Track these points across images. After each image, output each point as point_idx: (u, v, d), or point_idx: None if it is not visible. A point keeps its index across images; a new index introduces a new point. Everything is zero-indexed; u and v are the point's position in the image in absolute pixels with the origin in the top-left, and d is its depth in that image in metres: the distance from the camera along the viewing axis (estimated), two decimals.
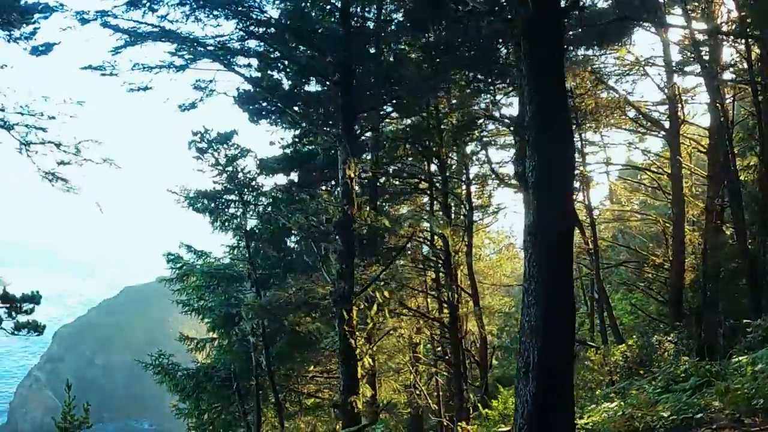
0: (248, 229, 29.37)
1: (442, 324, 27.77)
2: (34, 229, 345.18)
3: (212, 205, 29.29)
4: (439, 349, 34.43)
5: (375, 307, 20.38)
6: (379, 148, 27.97)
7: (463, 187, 31.74)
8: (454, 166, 33.39)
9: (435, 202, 31.38)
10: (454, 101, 25.74)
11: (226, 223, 29.83)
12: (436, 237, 29.70)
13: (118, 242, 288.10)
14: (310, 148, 29.14)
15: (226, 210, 29.48)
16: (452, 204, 32.58)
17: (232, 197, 29.14)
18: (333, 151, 24.16)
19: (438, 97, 24.35)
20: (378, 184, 29.17)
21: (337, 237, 18.90)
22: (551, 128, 10.16)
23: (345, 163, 18.57)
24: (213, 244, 33.04)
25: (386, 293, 20.04)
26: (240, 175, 28.30)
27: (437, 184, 29.17)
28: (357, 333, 19.33)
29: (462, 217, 32.28)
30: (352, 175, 18.46)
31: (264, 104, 23.94)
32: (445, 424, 27.82)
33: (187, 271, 32.66)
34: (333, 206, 18.75)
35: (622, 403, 12.66)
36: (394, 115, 28.62)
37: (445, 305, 28.29)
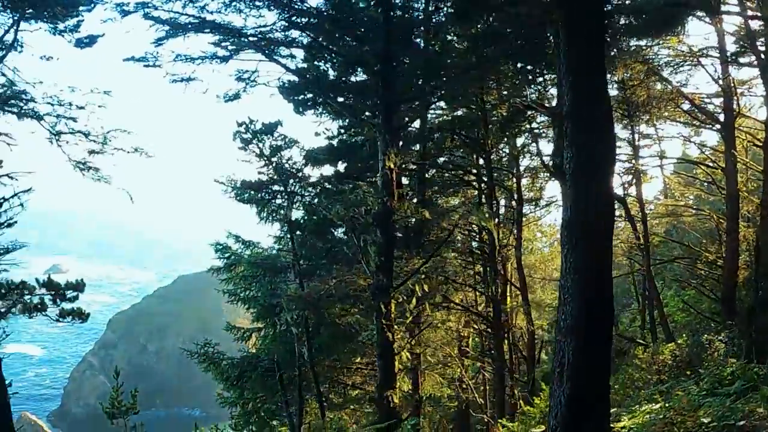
0: (293, 219, 29.33)
1: (486, 318, 27.28)
2: (88, 219, 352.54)
3: (258, 196, 29.24)
4: (486, 343, 34.01)
5: (414, 301, 20.09)
6: (426, 140, 27.61)
7: (513, 179, 31.29)
8: (504, 159, 32.97)
9: (483, 195, 30.96)
10: (504, 92, 25.24)
11: (273, 214, 29.78)
12: (483, 230, 29.37)
13: (173, 231, 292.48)
14: (356, 139, 28.92)
15: (273, 201, 29.40)
16: (501, 197, 32.17)
17: (278, 188, 29.05)
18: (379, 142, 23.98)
19: (485, 88, 23.89)
20: (426, 175, 28.85)
21: (376, 229, 18.66)
22: (590, 119, 9.79)
23: (385, 153, 18.28)
24: (260, 235, 33.15)
25: (426, 287, 19.72)
26: (285, 165, 28.19)
27: (485, 177, 28.68)
28: (395, 327, 19.07)
29: (512, 210, 31.85)
30: (392, 166, 18.15)
31: (309, 95, 23.78)
32: (485, 420, 27.42)
33: (234, 261, 32.79)
34: (372, 197, 18.49)
35: (665, 406, 12.18)
36: (442, 105, 28.37)
37: (490, 299, 27.85)
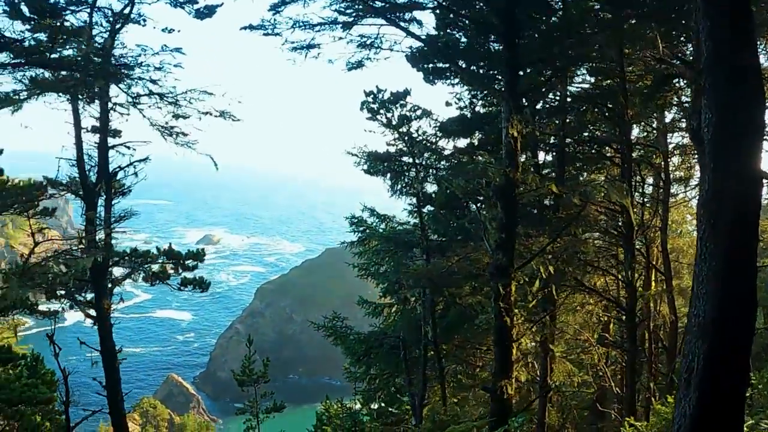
0: (424, 193, 28.36)
1: (618, 304, 25.15)
2: (238, 192, 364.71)
3: (392, 168, 28.37)
4: (623, 331, 31.95)
5: (537, 283, 18.50)
6: (565, 112, 25.78)
7: (661, 157, 28.96)
8: (651, 134, 30.63)
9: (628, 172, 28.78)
10: (647, 58, 23.00)
11: (406, 188, 28.87)
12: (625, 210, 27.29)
13: (323, 204, 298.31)
14: (491, 109, 27.40)
15: (406, 173, 28.44)
16: (648, 175, 29.98)
17: (408, 160, 28.06)
18: None
19: (625, 55, 21.75)
20: (567, 150, 27.02)
21: (497, 203, 17.20)
22: (733, 73, 8.01)
23: (508, 121, 16.74)
24: (396, 208, 32.42)
25: (551, 268, 18.06)
26: (415, 136, 27.14)
27: (627, 153, 26.56)
28: (516, 311, 17.57)
29: (659, 189, 29.58)
30: (515, 135, 16.57)
31: (438, 64, 22.43)
32: (613, 415, 25.53)
33: (368, 235, 32.34)
34: (493, 169, 17.01)
35: None
36: (586, 77, 26.49)
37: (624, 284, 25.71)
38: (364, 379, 32.92)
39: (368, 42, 19.90)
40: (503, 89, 17.59)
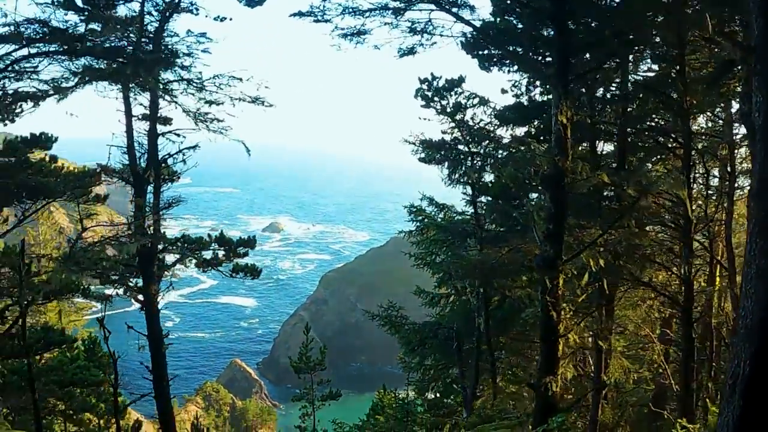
0: (480, 182, 27.80)
1: (674, 300, 24.11)
2: (302, 180, 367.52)
3: (448, 156, 27.92)
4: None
5: (586, 276, 17.77)
6: (626, 100, 24.85)
7: (726, 148, 27.80)
8: (718, 125, 29.45)
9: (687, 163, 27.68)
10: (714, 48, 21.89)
11: (463, 177, 28.38)
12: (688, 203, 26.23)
13: (390, 194, 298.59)
14: (548, 96, 26.65)
15: (463, 162, 27.94)
16: (714, 167, 28.90)
17: (463, 148, 27.54)
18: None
19: (688, 42, 20.73)
20: (628, 140, 26.09)
21: (545, 192, 16.57)
22: None
23: (557, 107, 16.09)
24: (455, 197, 31.97)
25: (602, 262, 17.30)
26: (471, 124, 26.59)
27: (687, 143, 25.49)
28: (563, 305, 16.92)
29: (725, 182, 28.44)
30: (565, 121, 15.89)
31: (494, 50, 21.80)
32: (665, 416, 24.58)
33: (427, 225, 32.00)
34: (541, 157, 16.36)
35: None
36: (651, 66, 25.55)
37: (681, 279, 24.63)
38: (419, 369, 32.67)
39: (418, 28, 19.43)
40: (553, 74, 16.94)
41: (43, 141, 22.48)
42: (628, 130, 25.04)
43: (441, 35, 19.16)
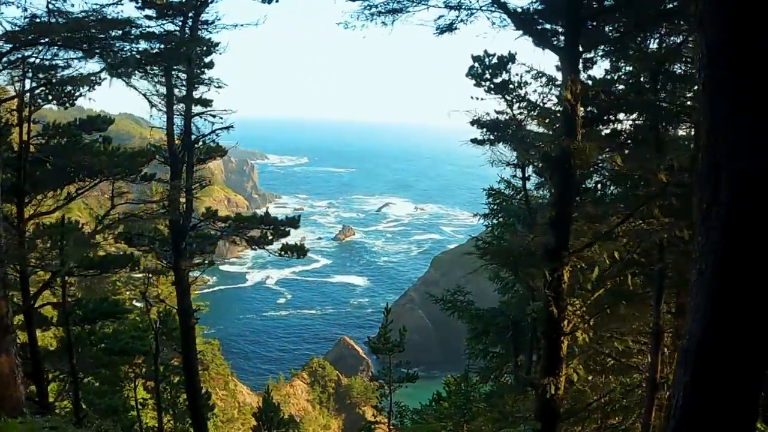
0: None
1: None
2: (415, 160, 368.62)
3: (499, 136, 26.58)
4: None
5: (597, 270, 15.99)
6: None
7: None
8: None
9: None
10: None
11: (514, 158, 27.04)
12: None
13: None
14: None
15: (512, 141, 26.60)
16: None
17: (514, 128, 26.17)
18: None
19: None
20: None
21: (549, 176, 15.02)
22: None
23: (565, 81, 14.49)
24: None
25: (617, 254, 15.49)
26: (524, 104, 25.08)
27: None
28: (568, 300, 15.30)
29: None
30: (569, 97, 14.23)
31: (547, 26, 19.94)
32: None
33: (502, 208, 31.02)
34: (546, 138, 14.78)
35: None
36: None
37: None
38: (481, 355, 31.68)
39: (454, 3, 17.85)
40: (562, 45, 15.29)
41: (99, 123, 23.40)
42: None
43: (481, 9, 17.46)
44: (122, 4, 17.50)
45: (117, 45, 19.01)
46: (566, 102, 14.37)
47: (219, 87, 24.48)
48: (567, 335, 15.34)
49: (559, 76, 25.84)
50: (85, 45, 16.93)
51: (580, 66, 15.46)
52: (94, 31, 16.69)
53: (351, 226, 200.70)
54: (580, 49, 15.08)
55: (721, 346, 5.75)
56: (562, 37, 15.57)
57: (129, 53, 19.02)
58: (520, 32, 15.81)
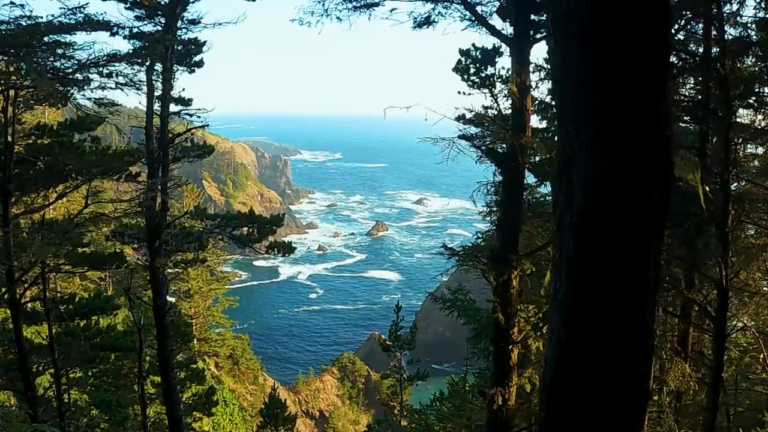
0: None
1: (700, 306, 20.00)
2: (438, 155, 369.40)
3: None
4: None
5: (548, 276, 15.04)
6: None
7: None
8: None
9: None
10: None
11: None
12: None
13: None
14: None
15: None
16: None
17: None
18: None
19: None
20: None
21: (495, 173, 14.20)
22: None
23: (515, 72, 13.69)
24: None
25: None
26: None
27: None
28: (520, 306, 14.46)
29: None
30: (515, 90, 13.43)
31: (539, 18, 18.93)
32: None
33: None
34: (491, 131, 13.96)
35: None
36: None
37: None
38: (480, 357, 30.99)
39: None
40: (509, 34, 14.50)
41: (88, 123, 23.42)
42: None
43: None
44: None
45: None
46: (512, 95, 13.60)
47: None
48: (516, 344, 14.57)
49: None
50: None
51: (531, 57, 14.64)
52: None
53: (384, 222, 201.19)
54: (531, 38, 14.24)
55: (577, 379, 4.89)
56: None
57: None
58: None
